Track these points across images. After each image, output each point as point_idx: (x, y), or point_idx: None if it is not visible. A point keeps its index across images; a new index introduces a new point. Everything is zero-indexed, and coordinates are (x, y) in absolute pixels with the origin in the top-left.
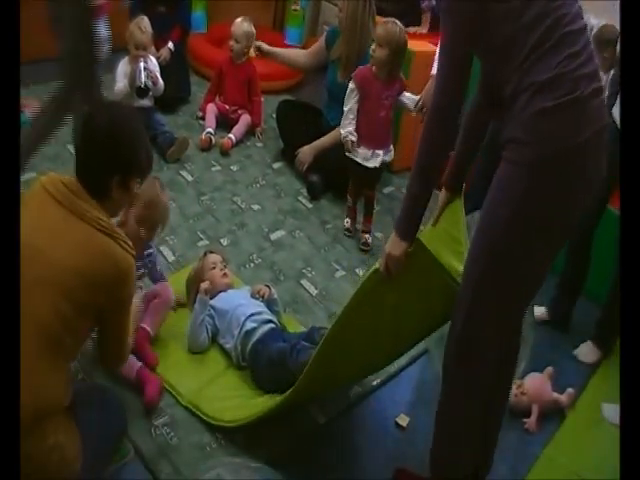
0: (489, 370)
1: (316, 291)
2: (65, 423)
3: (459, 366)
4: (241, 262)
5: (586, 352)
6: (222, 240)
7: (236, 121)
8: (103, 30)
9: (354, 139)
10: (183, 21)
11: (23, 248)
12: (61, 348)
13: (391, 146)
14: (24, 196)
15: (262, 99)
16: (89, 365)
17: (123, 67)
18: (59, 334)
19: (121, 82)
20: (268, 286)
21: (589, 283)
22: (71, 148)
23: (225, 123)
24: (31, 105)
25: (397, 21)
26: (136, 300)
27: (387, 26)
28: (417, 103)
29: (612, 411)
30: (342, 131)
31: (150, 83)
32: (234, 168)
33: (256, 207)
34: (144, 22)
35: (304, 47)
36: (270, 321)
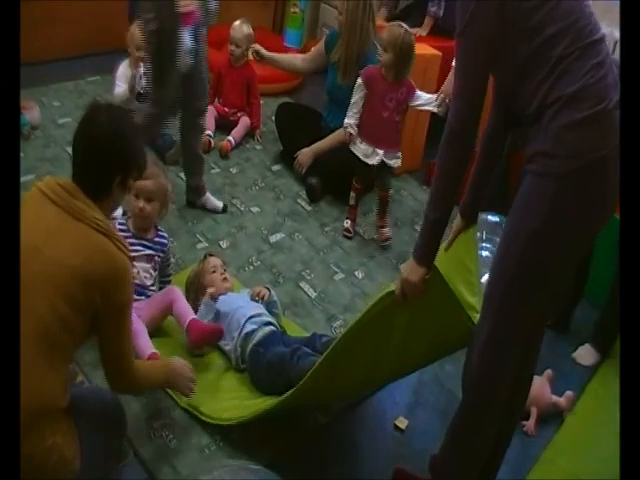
0: (507, 392)
1: (315, 293)
2: (63, 424)
3: (479, 389)
4: (240, 264)
5: (585, 355)
6: (221, 242)
7: (235, 124)
8: (187, 40)
9: (353, 132)
10: None
11: (21, 248)
12: (59, 349)
13: (398, 152)
14: (21, 199)
15: (261, 101)
16: (88, 368)
17: (123, 70)
18: (57, 334)
19: (121, 86)
20: (268, 288)
21: (588, 286)
22: (70, 150)
23: (224, 126)
24: (30, 107)
25: (402, 24)
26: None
27: (391, 30)
28: (437, 98)
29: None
30: (345, 121)
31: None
32: (233, 170)
33: (255, 209)
34: None
35: (303, 49)
36: (270, 323)
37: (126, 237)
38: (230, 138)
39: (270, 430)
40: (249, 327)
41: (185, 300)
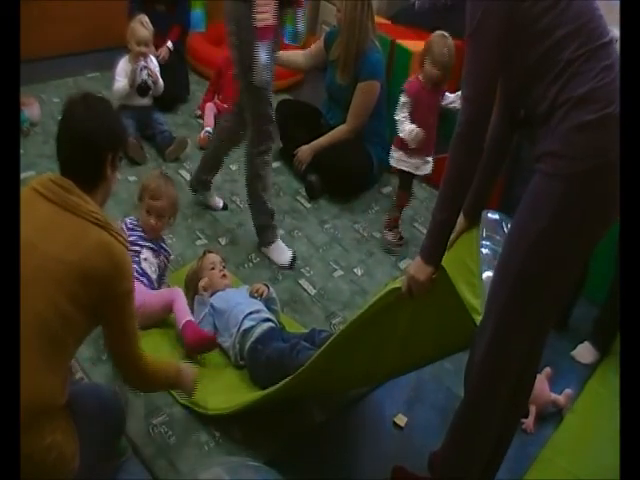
0: (509, 392)
1: (314, 290)
2: (62, 422)
3: (481, 388)
4: (240, 261)
5: (584, 353)
6: (221, 239)
7: None
8: (264, 55)
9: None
10: (182, 20)
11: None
12: (59, 345)
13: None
14: None
15: None
16: (87, 364)
17: (123, 65)
18: (57, 331)
19: (121, 81)
20: (266, 285)
21: (587, 284)
22: None
23: None
24: (30, 103)
25: (446, 34)
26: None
27: (438, 42)
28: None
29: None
30: (407, 128)
31: (150, 82)
32: (233, 167)
33: None
34: (146, 18)
35: (303, 46)
36: (268, 320)
37: (136, 234)
38: None
39: (269, 428)
40: (247, 324)
41: (185, 301)
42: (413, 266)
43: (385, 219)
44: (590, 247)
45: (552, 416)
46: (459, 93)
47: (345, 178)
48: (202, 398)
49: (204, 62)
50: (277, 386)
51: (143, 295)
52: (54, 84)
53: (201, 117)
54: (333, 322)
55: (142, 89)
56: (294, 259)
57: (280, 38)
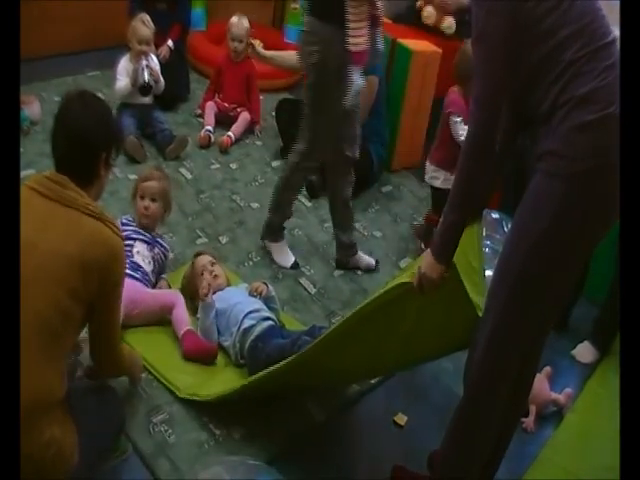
0: (508, 391)
1: (314, 289)
2: (61, 417)
3: (480, 387)
4: (240, 260)
5: (584, 352)
6: (221, 238)
7: (235, 119)
8: (358, 79)
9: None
10: (183, 19)
11: None
12: (58, 339)
13: None
14: None
15: (261, 97)
16: (87, 362)
17: (124, 64)
18: (57, 326)
19: (123, 80)
20: (265, 284)
21: (587, 284)
22: None
23: (224, 121)
24: (30, 102)
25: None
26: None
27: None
28: None
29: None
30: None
31: (152, 81)
32: (233, 166)
33: (255, 205)
34: (147, 17)
35: None
36: (268, 318)
37: (129, 228)
38: (230, 134)
39: (269, 427)
40: (247, 322)
41: (184, 308)
42: (424, 263)
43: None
44: (591, 247)
45: (552, 415)
46: None
47: None
48: (199, 392)
49: (205, 61)
50: (274, 367)
51: (142, 294)
52: (54, 83)
53: (201, 116)
54: (333, 321)
55: (144, 89)
56: (296, 265)
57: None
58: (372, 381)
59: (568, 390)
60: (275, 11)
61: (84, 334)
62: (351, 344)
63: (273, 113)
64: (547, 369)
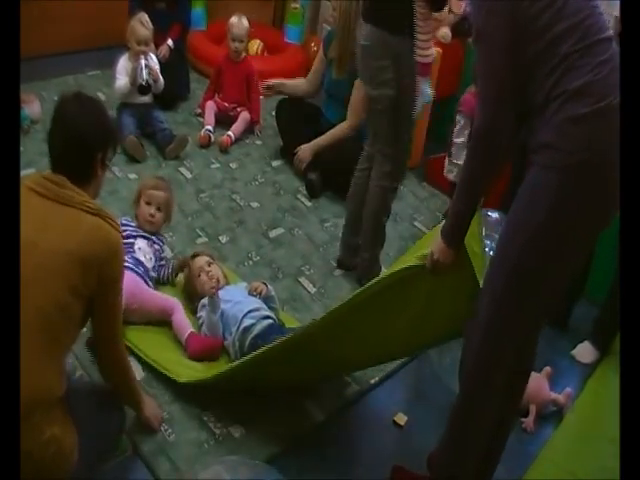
0: (504, 384)
1: (314, 289)
2: (60, 416)
3: (475, 379)
4: (240, 260)
5: (584, 353)
6: (221, 237)
7: (235, 119)
8: (426, 88)
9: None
10: (183, 18)
11: None
12: (58, 338)
13: None
14: None
15: (261, 97)
16: (88, 363)
17: (124, 63)
18: (57, 323)
19: (122, 79)
20: (265, 283)
21: (588, 284)
22: None
23: (224, 121)
24: (30, 101)
25: None
26: None
27: None
28: None
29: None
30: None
31: (152, 81)
32: (233, 166)
33: (255, 205)
34: (145, 17)
35: (303, 45)
36: (268, 317)
37: (130, 228)
38: (230, 133)
39: (269, 427)
40: (247, 322)
41: (183, 313)
42: (436, 248)
43: None
44: (589, 241)
45: (552, 415)
46: None
47: (345, 176)
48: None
49: (205, 60)
50: (275, 343)
51: (142, 291)
52: (55, 82)
53: (201, 115)
54: None
55: (143, 88)
56: None
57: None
58: (372, 381)
59: (568, 390)
60: (275, 11)
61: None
62: (354, 326)
63: (273, 113)
64: (547, 369)
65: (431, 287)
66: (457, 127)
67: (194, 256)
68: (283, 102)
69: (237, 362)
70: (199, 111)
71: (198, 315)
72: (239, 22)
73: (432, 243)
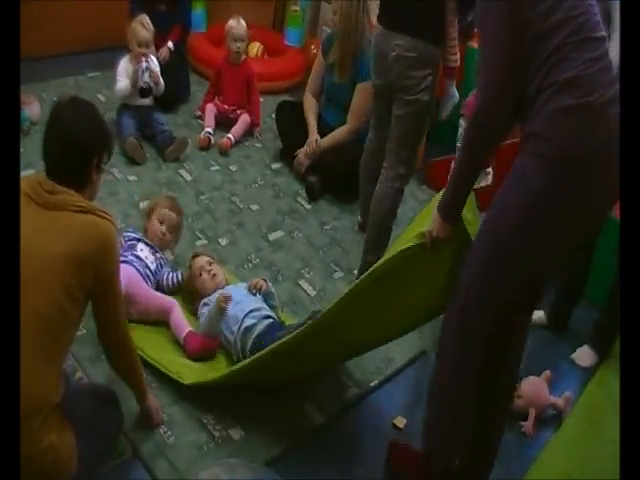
0: (485, 361)
1: (314, 292)
2: (58, 422)
3: (453, 337)
4: (239, 262)
5: (583, 356)
6: (220, 240)
7: (235, 121)
8: (454, 90)
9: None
10: (183, 20)
11: None
12: (57, 341)
13: None
14: None
15: (261, 99)
16: (87, 364)
17: (124, 65)
18: (55, 325)
19: (123, 81)
20: (264, 279)
21: (587, 287)
22: None
23: (224, 123)
24: (30, 102)
25: None
26: None
27: None
28: None
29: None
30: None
31: (152, 83)
32: (233, 168)
33: (255, 207)
34: (146, 19)
35: (303, 48)
36: (269, 317)
37: (133, 235)
38: (230, 135)
39: (268, 429)
40: (249, 321)
41: (181, 313)
42: (434, 225)
43: None
44: (578, 234)
45: (551, 419)
46: None
47: (345, 179)
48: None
49: (205, 62)
50: (282, 341)
51: (142, 288)
52: (54, 83)
53: (201, 118)
54: None
55: (144, 91)
56: None
57: None
58: (371, 384)
59: (567, 394)
60: (275, 13)
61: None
62: (359, 311)
63: (273, 115)
64: (546, 373)
65: (432, 263)
66: (461, 130)
67: (194, 256)
68: (283, 105)
69: (246, 361)
70: (199, 113)
71: (200, 312)
72: (238, 24)
73: (429, 220)
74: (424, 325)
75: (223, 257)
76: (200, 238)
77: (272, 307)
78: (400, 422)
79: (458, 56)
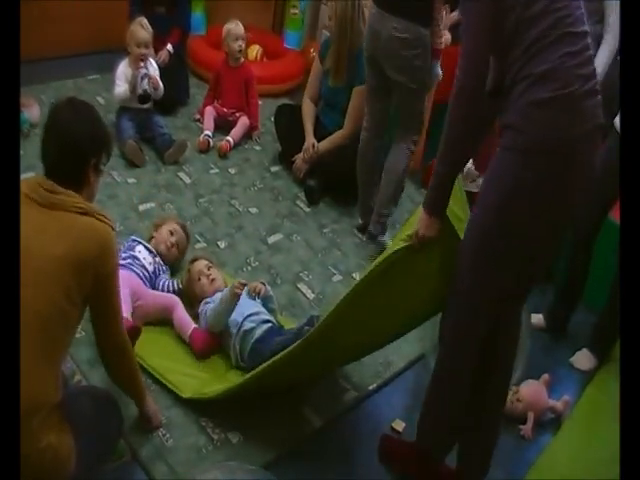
0: (478, 353)
1: (313, 295)
2: (57, 423)
3: (449, 344)
4: (238, 265)
5: (582, 360)
6: (219, 243)
7: (234, 124)
8: (437, 69)
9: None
10: (182, 23)
11: None
12: (56, 341)
13: None
14: None
15: (260, 102)
16: (86, 367)
17: (123, 69)
18: (55, 326)
19: (121, 86)
20: (263, 283)
21: (586, 290)
22: None
23: (223, 126)
24: (30, 105)
25: None
26: None
27: None
28: None
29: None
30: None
31: (151, 89)
32: (232, 171)
33: (254, 210)
34: (145, 21)
35: (303, 51)
36: (268, 321)
37: (134, 239)
38: (229, 138)
39: (267, 432)
40: (247, 325)
41: (184, 309)
42: (421, 224)
43: None
44: (551, 229)
45: (550, 423)
46: None
47: (344, 182)
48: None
49: (204, 65)
50: (280, 355)
51: (143, 289)
52: (54, 85)
53: (200, 121)
54: None
55: (143, 97)
56: None
57: None
58: (370, 387)
59: (566, 397)
60: (275, 16)
61: None
62: (356, 317)
63: (272, 118)
64: (545, 376)
65: (422, 263)
66: None
67: (193, 260)
68: (282, 108)
69: (245, 377)
70: (198, 116)
71: (201, 310)
72: (236, 25)
73: (416, 221)
74: (423, 328)
75: (222, 260)
76: (199, 241)
77: (271, 310)
78: (399, 425)
79: (443, 39)
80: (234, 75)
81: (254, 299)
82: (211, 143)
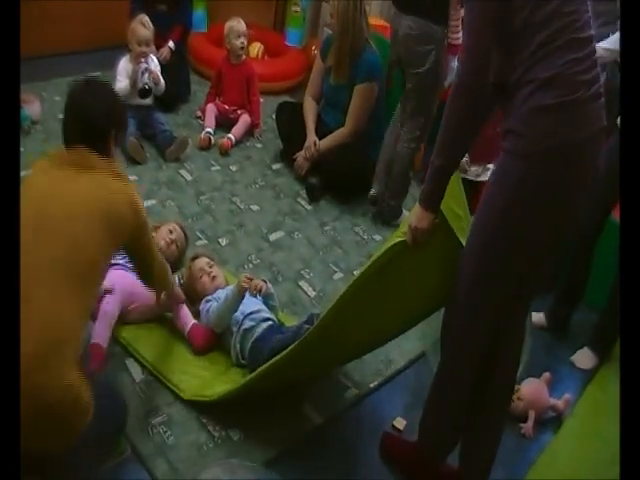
0: (482, 352)
1: (314, 293)
2: (77, 367)
3: (453, 345)
4: (239, 263)
5: (583, 358)
6: (221, 240)
7: (235, 121)
8: (454, 64)
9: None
10: (184, 20)
11: (42, 198)
12: (84, 279)
13: None
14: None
15: (261, 100)
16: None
17: (124, 65)
18: (82, 266)
19: (123, 81)
20: (265, 280)
21: (587, 289)
22: None
23: (225, 123)
24: (31, 101)
25: None
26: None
27: None
28: None
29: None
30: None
31: (152, 84)
32: (233, 168)
33: (255, 208)
34: (146, 18)
35: (304, 48)
36: (268, 319)
37: None
38: (230, 136)
39: (268, 430)
40: (248, 323)
41: (184, 306)
42: (414, 217)
43: None
44: (554, 233)
45: (551, 421)
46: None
47: (345, 180)
48: (203, 392)
49: (205, 62)
50: (280, 355)
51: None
52: (55, 82)
53: (201, 118)
54: None
55: (144, 92)
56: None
57: None
58: (371, 385)
59: (567, 396)
60: (276, 14)
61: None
62: (354, 315)
63: (273, 116)
64: (546, 375)
65: (419, 259)
66: None
67: (194, 258)
68: (283, 105)
69: (245, 380)
70: (199, 113)
71: (202, 307)
72: (238, 22)
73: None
74: (424, 326)
75: (223, 257)
76: (200, 238)
77: (272, 308)
78: (400, 423)
79: (460, 35)
80: (236, 72)
81: (255, 297)
82: (212, 140)
